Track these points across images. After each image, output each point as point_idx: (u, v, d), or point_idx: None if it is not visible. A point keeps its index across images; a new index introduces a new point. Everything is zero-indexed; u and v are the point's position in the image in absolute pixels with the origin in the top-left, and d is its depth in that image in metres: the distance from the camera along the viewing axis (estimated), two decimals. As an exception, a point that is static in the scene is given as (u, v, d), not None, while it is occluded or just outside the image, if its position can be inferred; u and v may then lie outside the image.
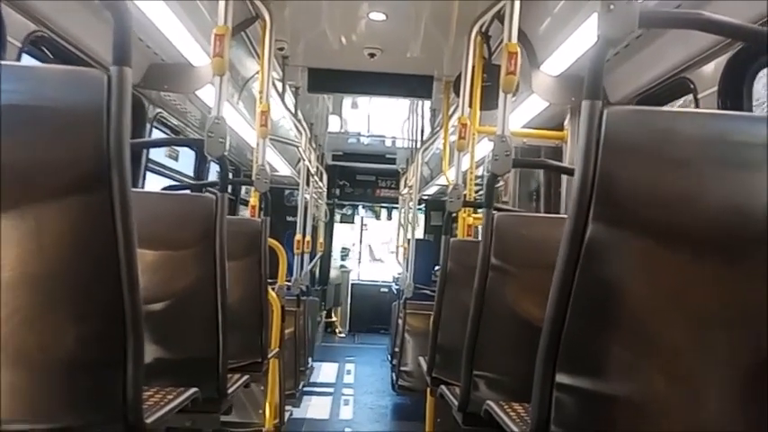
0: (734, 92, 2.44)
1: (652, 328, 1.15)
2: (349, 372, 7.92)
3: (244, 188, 6.91)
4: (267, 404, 4.04)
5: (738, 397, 1.09)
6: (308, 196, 6.52)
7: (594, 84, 1.18)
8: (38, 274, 1.25)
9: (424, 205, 11.51)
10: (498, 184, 4.90)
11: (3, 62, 1.32)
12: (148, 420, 1.53)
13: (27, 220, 1.22)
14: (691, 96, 2.72)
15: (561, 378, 1.23)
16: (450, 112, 5.46)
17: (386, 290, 11.22)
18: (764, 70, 2.45)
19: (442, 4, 4.03)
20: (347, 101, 7.44)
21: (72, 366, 1.29)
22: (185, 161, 5.38)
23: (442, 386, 2.79)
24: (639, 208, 1.16)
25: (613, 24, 1.16)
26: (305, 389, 6.33)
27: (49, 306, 1.27)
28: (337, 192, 11.61)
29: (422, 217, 11.61)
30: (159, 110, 4.13)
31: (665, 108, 2.86)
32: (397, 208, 10.75)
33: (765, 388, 1.08)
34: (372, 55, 5.05)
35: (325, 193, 9.73)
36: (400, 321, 5.48)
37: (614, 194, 1.16)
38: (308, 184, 6.43)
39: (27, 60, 2.63)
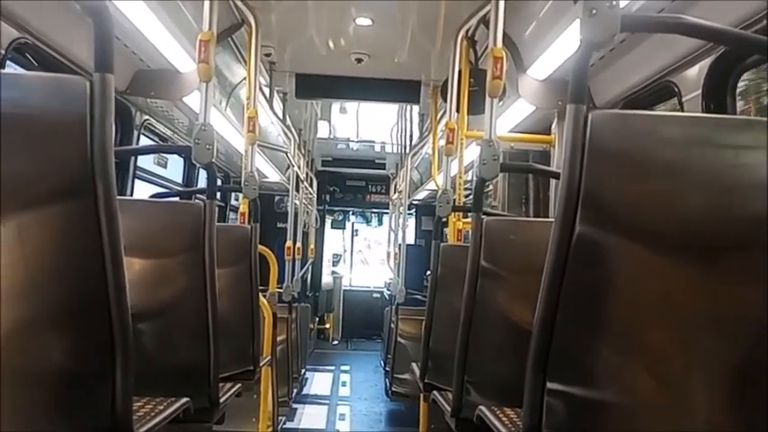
0: (718, 94, 2.45)
1: (639, 332, 1.16)
2: (344, 383, 7.87)
3: (233, 195, 6.89)
4: (260, 413, 4.02)
5: (726, 400, 1.10)
6: (297, 202, 6.50)
7: (579, 88, 1.18)
8: (22, 285, 1.24)
9: (414, 210, 11.52)
10: (487, 189, 4.92)
11: None
12: (139, 432, 1.52)
13: (10, 229, 1.20)
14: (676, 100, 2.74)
15: (552, 382, 1.23)
16: (438, 117, 5.47)
17: (378, 296, 11.21)
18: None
19: (429, 8, 4.03)
20: (335, 106, 7.43)
21: (58, 377, 1.27)
22: (174, 168, 5.35)
23: (435, 392, 2.78)
24: (625, 211, 1.17)
25: (596, 28, 1.16)
26: (298, 397, 6.30)
27: (34, 316, 1.25)
28: (327, 198, 11.61)
29: (413, 222, 11.61)
30: (147, 117, 4.10)
31: (649, 112, 2.87)
32: (387, 213, 10.75)
33: (752, 390, 1.08)
34: (360, 60, 5.05)
35: (315, 199, 9.71)
36: (393, 327, 5.48)
37: (600, 198, 1.16)
38: (297, 190, 6.41)
39: (10, 68, 2.61)
